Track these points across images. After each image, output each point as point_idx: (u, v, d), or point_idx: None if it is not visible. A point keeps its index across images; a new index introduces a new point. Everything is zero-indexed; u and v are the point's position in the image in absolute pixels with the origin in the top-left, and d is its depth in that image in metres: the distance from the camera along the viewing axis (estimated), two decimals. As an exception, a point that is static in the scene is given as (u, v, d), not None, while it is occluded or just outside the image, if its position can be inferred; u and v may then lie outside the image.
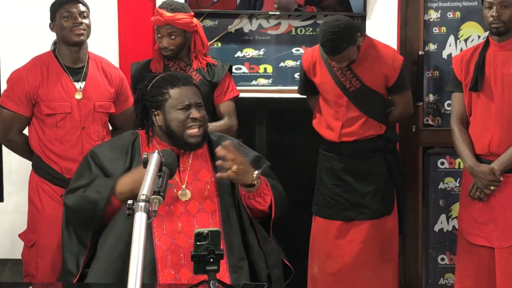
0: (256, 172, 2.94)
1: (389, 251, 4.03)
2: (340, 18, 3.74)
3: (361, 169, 3.98)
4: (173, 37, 3.90)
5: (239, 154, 2.90)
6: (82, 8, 3.73)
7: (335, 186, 4.02)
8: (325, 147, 4.06)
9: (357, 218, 3.98)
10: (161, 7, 3.93)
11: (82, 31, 3.71)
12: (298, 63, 4.63)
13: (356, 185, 3.98)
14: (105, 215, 2.89)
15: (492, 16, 3.59)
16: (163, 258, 2.79)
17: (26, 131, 3.84)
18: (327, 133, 4.00)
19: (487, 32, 3.77)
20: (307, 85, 4.08)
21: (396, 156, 4.07)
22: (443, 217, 4.47)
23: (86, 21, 3.73)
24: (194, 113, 2.96)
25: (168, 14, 3.87)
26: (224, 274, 2.79)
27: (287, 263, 3.04)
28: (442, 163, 4.47)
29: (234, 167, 2.85)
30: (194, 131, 2.96)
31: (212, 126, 3.87)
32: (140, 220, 2.03)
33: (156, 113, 3.00)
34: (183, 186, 2.92)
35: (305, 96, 4.17)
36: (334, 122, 3.96)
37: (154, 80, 3.05)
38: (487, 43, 3.71)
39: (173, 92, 2.98)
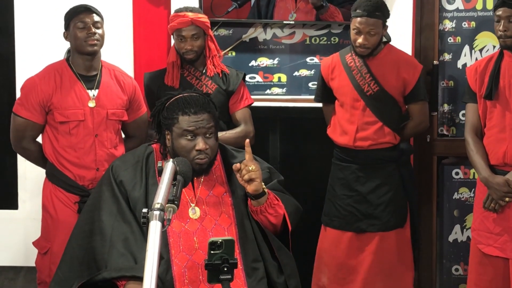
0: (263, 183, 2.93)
1: (402, 264, 4.01)
2: None
3: (373, 180, 3.97)
4: (196, 37, 3.92)
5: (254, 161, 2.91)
6: (96, 18, 3.74)
7: (347, 197, 4.01)
8: (338, 155, 4.06)
9: (369, 230, 3.97)
10: (179, 11, 3.94)
11: (95, 41, 3.72)
12: (312, 72, 4.63)
13: (368, 196, 3.98)
14: None
15: (500, 31, 3.60)
16: (180, 275, 2.78)
17: (39, 139, 3.85)
18: (342, 138, 4.01)
19: (502, 42, 3.76)
20: (325, 92, 4.10)
21: (410, 169, 4.08)
22: (457, 227, 4.45)
23: (99, 31, 3.74)
24: (200, 144, 2.90)
25: (191, 14, 3.89)
26: (241, 286, 2.79)
27: None
28: (457, 173, 4.46)
29: (253, 166, 2.85)
30: (199, 161, 2.91)
31: (229, 133, 3.88)
32: (155, 228, 2.03)
33: (167, 133, 2.99)
34: (193, 205, 2.91)
35: (320, 105, 4.17)
36: (348, 126, 3.97)
37: (170, 100, 3.02)
38: (501, 53, 3.70)
39: (182, 119, 2.93)
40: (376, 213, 3.96)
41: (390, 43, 4.01)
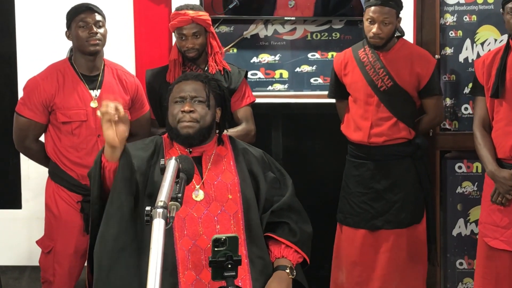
0: (291, 276, 2.88)
1: (417, 260, 4.00)
2: None
3: (389, 177, 3.96)
4: (197, 35, 3.91)
5: None
6: (97, 17, 3.74)
7: (362, 194, 3.99)
8: (353, 152, 4.04)
9: (385, 227, 3.96)
10: (179, 9, 3.94)
11: (97, 41, 3.72)
12: (314, 68, 4.63)
13: (384, 193, 3.96)
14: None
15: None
16: (184, 259, 2.79)
17: (42, 138, 3.85)
18: (356, 135, 3.99)
19: (504, 36, 3.76)
20: (338, 88, 4.08)
21: (426, 163, 4.06)
22: (461, 221, 4.44)
23: (101, 30, 3.74)
24: (184, 106, 2.94)
25: (191, 12, 3.89)
26: (245, 277, 2.79)
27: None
28: (460, 167, 4.45)
29: None
30: (182, 124, 2.94)
31: (230, 132, 3.87)
32: (158, 226, 2.03)
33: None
34: (197, 187, 2.91)
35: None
36: (362, 122, 3.95)
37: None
38: (507, 47, 3.69)
39: (175, 86, 3.02)
40: (392, 210, 3.94)
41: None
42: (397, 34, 3.95)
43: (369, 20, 3.83)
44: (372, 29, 3.82)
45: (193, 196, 2.89)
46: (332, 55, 4.63)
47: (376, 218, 3.96)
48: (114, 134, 2.75)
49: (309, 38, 4.64)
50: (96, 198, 2.87)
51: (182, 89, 2.99)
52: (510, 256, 3.65)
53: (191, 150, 2.97)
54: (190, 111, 2.93)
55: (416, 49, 4.02)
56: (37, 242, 3.88)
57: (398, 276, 3.96)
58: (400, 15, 3.89)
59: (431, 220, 4.06)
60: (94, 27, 3.71)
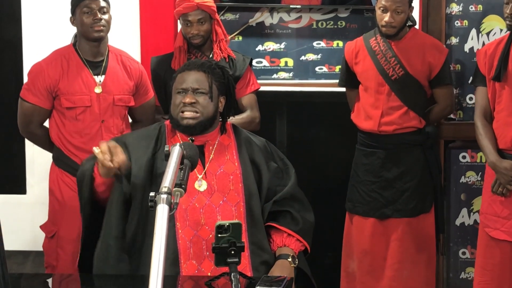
0: (293, 265, 2.89)
1: (426, 249, 4.02)
2: None
3: (399, 165, 3.96)
4: (202, 22, 3.91)
5: None
6: (102, 3, 3.73)
7: (372, 183, 4.00)
8: (363, 141, 4.05)
9: (394, 216, 3.97)
10: None
11: (101, 27, 3.72)
12: (319, 56, 4.62)
13: (393, 182, 3.97)
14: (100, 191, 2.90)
15: (507, 13, 3.59)
16: (185, 249, 2.80)
17: (46, 124, 3.86)
18: (366, 123, 3.99)
19: (510, 26, 3.75)
20: (348, 76, 4.09)
21: (436, 152, 4.07)
22: (464, 211, 4.44)
23: (105, 16, 3.74)
24: (186, 98, 2.92)
25: None
26: (245, 267, 2.80)
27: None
28: (464, 157, 4.44)
29: None
30: (182, 114, 2.93)
31: (235, 119, 3.87)
32: (162, 212, 2.03)
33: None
34: (200, 176, 2.91)
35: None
36: (373, 111, 3.96)
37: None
38: (511, 36, 3.69)
39: (178, 76, 3.00)
40: (402, 199, 3.95)
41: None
42: (409, 23, 3.94)
43: (381, 8, 3.82)
44: (384, 18, 3.82)
45: (196, 186, 2.89)
46: (338, 43, 4.63)
47: (386, 206, 3.97)
48: (113, 166, 2.75)
49: (314, 26, 4.63)
50: (86, 203, 2.92)
51: (185, 79, 2.97)
52: (511, 246, 3.66)
53: (193, 138, 2.96)
54: (192, 103, 2.92)
55: (428, 38, 4.02)
56: (41, 226, 3.90)
57: (409, 265, 3.97)
58: (413, 5, 3.88)
59: (439, 210, 4.07)
60: (98, 13, 3.71)
